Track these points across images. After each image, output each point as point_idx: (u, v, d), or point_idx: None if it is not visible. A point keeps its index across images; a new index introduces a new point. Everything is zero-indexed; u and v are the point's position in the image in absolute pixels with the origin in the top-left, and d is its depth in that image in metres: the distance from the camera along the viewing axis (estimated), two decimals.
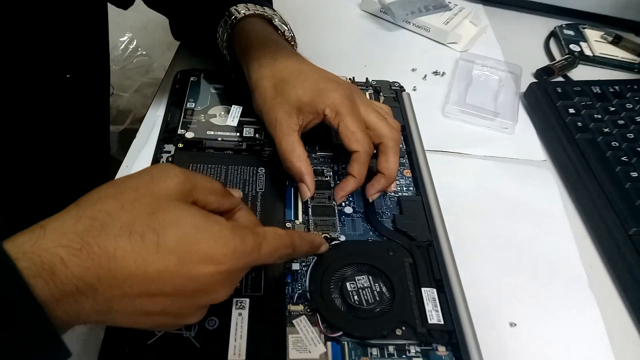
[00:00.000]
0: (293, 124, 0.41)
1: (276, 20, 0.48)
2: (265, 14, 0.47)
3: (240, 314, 0.34)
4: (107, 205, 0.26)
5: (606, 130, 0.51)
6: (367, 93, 0.53)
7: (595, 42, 0.68)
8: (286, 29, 0.48)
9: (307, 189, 0.40)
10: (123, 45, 1.10)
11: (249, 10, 0.46)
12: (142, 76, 1.10)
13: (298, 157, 0.40)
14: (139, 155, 0.45)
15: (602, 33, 0.69)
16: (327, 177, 0.45)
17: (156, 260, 0.25)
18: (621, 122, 0.52)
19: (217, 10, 0.48)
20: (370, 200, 0.42)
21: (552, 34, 0.71)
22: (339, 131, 0.41)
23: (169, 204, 0.27)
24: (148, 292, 0.26)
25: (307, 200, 0.41)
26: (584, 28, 0.70)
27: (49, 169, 0.50)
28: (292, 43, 0.49)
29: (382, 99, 0.53)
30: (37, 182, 0.49)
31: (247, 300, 0.35)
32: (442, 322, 0.35)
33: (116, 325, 0.28)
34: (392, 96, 0.53)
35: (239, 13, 0.46)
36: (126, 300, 0.26)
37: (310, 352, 0.33)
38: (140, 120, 0.49)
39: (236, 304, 0.34)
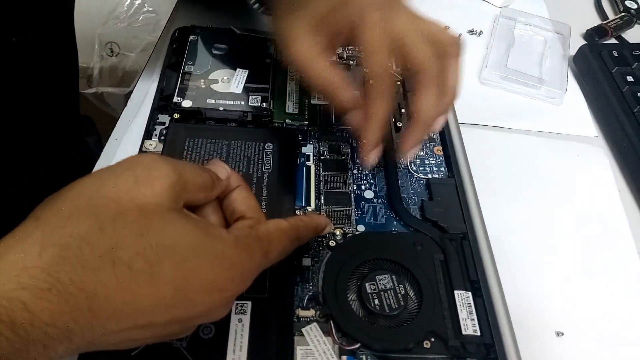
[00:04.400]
0: (314, 45, 0.31)
1: None
2: None
3: (240, 320, 0.29)
4: (80, 225, 0.21)
5: None
6: None
7: None
8: None
9: (369, 145, 0.32)
10: (128, 1, 1.03)
11: None
12: (148, 34, 1.03)
13: (340, 85, 0.31)
14: (130, 127, 0.39)
15: None
16: (344, 155, 0.38)
17: (149, 294, 0.21)
18: None
19: None
20: (409, 159, 0.35)
21: None
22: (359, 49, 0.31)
23: (160, 220, 0.22)
24: (137, 325, 0.22)
25: (319, 185, 0.36)
26: None
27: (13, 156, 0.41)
28: None
29: None
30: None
31: (249, 303, 0.30)
32: (478, 334, 0.30)
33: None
34: None
35: None
36: (109, 336, 0.22)
37: None
38: None
39: (236, 308, 0.29)
